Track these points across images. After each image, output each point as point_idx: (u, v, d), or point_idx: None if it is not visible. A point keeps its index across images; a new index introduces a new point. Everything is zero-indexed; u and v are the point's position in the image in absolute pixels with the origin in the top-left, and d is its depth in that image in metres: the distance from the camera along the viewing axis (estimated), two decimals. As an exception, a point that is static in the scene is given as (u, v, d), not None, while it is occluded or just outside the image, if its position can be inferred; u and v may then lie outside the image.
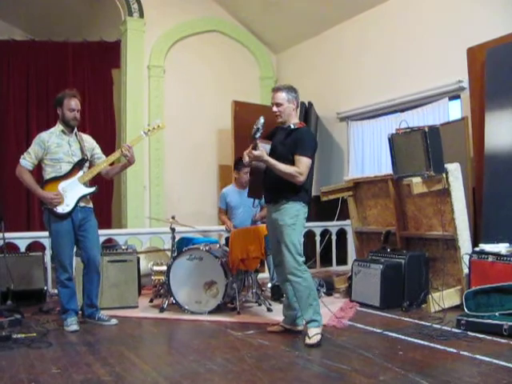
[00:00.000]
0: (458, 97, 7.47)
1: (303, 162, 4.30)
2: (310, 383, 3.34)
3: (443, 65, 7.51)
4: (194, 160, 10.11)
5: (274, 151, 4.41)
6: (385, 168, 8.12)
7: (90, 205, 5.05)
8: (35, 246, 6.79)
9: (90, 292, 5.03)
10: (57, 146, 4.88)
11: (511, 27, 6.27)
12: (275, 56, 11.30)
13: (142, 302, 5.95)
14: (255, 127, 4.21)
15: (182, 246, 5.92)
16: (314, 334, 4.21)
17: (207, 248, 5.55)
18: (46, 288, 6.19)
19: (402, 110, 8.27)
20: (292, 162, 4.31)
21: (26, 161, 4.88)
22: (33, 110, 10.00)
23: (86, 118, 9.90)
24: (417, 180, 5.44)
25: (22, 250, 6.46)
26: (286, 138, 4.44)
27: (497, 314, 4.58)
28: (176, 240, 6.04)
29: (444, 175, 5.41)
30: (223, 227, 7.09)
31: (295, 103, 4.52)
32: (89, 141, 5.14)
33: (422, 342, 4.17)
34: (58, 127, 4.99)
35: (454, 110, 7.52)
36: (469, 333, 4.40)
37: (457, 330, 4.49)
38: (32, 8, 10.46)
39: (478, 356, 3.77)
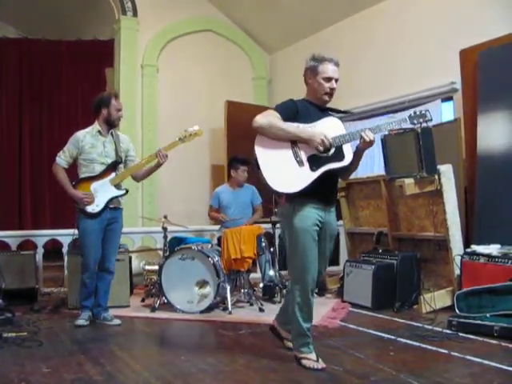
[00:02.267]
0: (450, 98, 7.50)
1: None
2: (302, 383, 3.34)
3: (436, 66, 7.53)
4: (186, 159, 10.06)
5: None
6: (377, 169, 8.13)
7: (121, 206, 5.13)
8: (27, 245, 6.78)
9: (98, 290, 5.08)
10: (91, 147, 4.93)
11: (504, 29, 6.29)
12: (269, 56, 11.30)
13: (134, 302, 5.94)
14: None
15: (174, 245, 5.91)
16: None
17: (199, 248, 5.55)
18: (37, 287, 6.16)
19: (395, 111, 8.28)
20: None
21: (61, 159, 4.96)
22: (26, 108, 9.99)
23: (78, 117, 9.91)
24: (409, 181, 5.45)
25: (14, 248, 6.44)
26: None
27: (488, 315, 4.60)
28: (168, 239, 6.04)
29: (436, 176, 5.42)
30: (216, 227, 7.10)
31: None
32: (125, 142, 5.17)
33: (413, 343, 4.18)
34: (95, 127, 5.01)
35: (447, 112, 7.56)
36: (460, 334, 4.42)
37: (448, 331, 4.50)
38: (25, 6, 10.42)
39: (468, 357, 3.78)
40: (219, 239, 6.10)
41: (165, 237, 5.99)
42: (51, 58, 10.16)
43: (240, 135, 9.63)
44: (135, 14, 9.67)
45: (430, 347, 4.07)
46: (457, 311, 4.84)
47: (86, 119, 9.74)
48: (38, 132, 10.18)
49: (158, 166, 5.09)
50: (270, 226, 6.53)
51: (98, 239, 4.94)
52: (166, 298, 5.52)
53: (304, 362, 3.62)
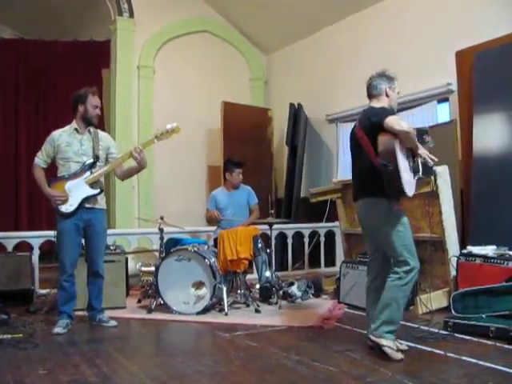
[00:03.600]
0: (446, 99, 7.51)
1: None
2: (298, 384, 3.35)
3: (432, 67, 7.54)
4: (182, 160, 10.09)
5: None
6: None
7: (99, 206, 4.96)
8: (23, 246, 6.75)
9: (90, 293, 5.02)
10: (67, 145, 4.86)
11: (500, 31, 6.31)
12: (265, 57, 11.30)
13: (130, 303, 5.93)
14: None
15: (171, 246, 5.90)
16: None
17: (195, 249, 5.54)
18: (33, 288, 6.14)
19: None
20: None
21: (39, 159, 4.93)
22: (22, 108, 9.98)
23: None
24: (405, 182, 5.45)
25: (10, 249, 6.42)
26: None
27: (484, 316, 4.60)
28: (164, 241, 6.03)
29: (432, 177, 5.42)
30: (212, 228, 7.09)
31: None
32: (105, 140, 5.09)
33: (409, 344, 4.18)
34: (72, 125, 4.96)
35: (443, 113, 7.56)
36: (456, 334, 4.42)
37: (444, 332, 4.50)
38: (21, 7, 10.41)
39: (464, 358, 3.79)
40: (215, 240, 6.10)
41: (161, 238, 5.99)
42: (47, 58, 10.14)
43: (236, 136, 9.68)
44: (131, 14, 9.66)
45: (425, 348, 4.08)
46: (453, 312, 4.84)
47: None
48: (35, 133, 10.14)
49: (139, 167, 4.99)
50: (266, 226, 6.52)
51: (75, 240, 4.85)
52: (162, 299, 5.51)
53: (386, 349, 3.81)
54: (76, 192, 4.81)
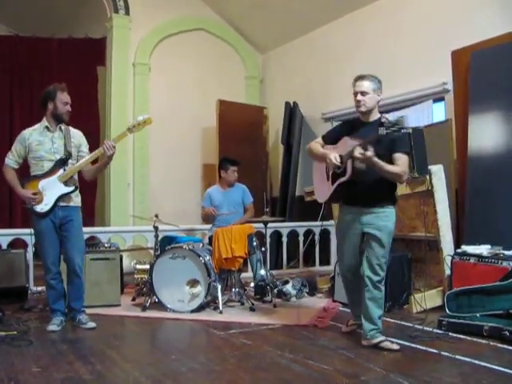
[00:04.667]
0: (442, 99, 7.51)
1: (404, 160, 4.06)
2: (292, 383, 3.35)
3: (428, 67, 7.55)
4: (178, 158, 10.07)
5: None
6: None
7: (73, 203, 4.87)
8: (17, 244, 6.73)
9: (69, 294, 4.92)
10: (38, 144, 4.79)
11: (496, 31, 6.31)
12: (261, 56, 11.29)
13: (125, 301, 5.92)
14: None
15: (166, 244, 5.90)
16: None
17: (190, 247, 5.55)
18: (27, 285, 6.14)
19: (387, 112, 8.29)
20: (385, 160, 4.00)
21: (10, 159, 4.86)
22: (16, 105, 9.91)
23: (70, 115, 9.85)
24: (400, 181, 5.46)
25: (4, 247, 6.41)
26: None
27: (478, 315, 4.63)
28: (159, 238, 6.03)
29: (427, 177, 5.44)
30: (207, 226, 7.09)
31: (380, 95, 4.25)
32: (76, 137, 4.97)
33: (403, 343, 4.19)
34: (43, 123, 4.88)
35: (438, 112, 7.57)
36: (450, 333, 4.43)
37: (438, 331, 4.51)
38: (16, 3, 10.37)
39: (458, 356, 3.80)
40: (210, 238, 6.10)
41: (156, 236, 5.99)
42: (42, 55, 10.09)
43: (232, 134, 9.68)
44: (127, 12, 9.63)
45: (420, 347, 4.09)
46: (447, 311, 4.86)
47: (76, 117, 9.78)
48: (29, 130, 10.13)
49: (107, 161, 4.92)
50: (261, 225, 6.52)
51: (53, 238, 4.78)
52: (156, 297, 5.51)
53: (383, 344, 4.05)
54: (50, 191, 4.74)
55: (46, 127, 4.85)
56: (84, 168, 4.90)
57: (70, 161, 4.83)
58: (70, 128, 4.98)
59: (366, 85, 4.19)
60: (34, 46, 9.99)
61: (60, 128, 4.88)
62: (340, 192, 4.21)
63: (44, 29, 10.06)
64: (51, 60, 10.09)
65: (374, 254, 4.12)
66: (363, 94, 4.18)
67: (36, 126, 4.91)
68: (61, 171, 4.78)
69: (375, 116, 4.25)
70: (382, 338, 4.09)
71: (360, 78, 4.26)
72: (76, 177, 4.95)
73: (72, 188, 4.82)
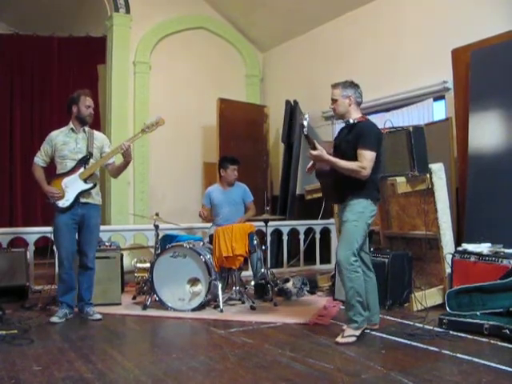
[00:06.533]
0: (442, 97, 7.52)
1: (365, 156, 4.22)
2: (293, 381, 3.34)
3: (428, 65, 7.55)
4: (178, 157, 10.09)
5: (339, 149, 4.46)
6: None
7: (94, 201, 5.20)
8: (18, 242, 6.74)
9: (80, 284, 5.18)
10: (63, 144, 5.12)
11: (496, 29, 6.32)
12: (261, 54, 11.30)
13: (125, 299, 5.93)
14: (299, 123, 4.32)
15: (166, 243, 5.90)
16: (348, 335, 4.21)
17: (191, 245, 5.55)
18: (28, 284, 6.13)
19: (387, 110, 8.30)
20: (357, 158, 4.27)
21: (38, 158, 5.20)
22: (16, 104, 9.94)
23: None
24: (401, 179, 5.47)
25: (4, 245, 6.41)
26: (348, 135, 4.45)
27: (478, 313, 4.62)
28: (160, 237, 6.03)
29: (428, 175, 5.43)
30: (207, 225, 7.09)
31: (352, 99, 4.45)
32: (99, 139, 5.31)
33: (404, 341, 4.19)
34: (69, 126, 5.20)
35: (439, 111, 7.57)
36: (450, 332, 4.43)
37: (439, 329, 4.51)
38: (17, 2, 10.36)
39: (459, 355, 3.80)
40: (211, 237, 6.10)
41: (156, 234, 5.99)
42: (43, 54, 10.10)
43: (232, 133, 9.68)
44: (128, 10, 9.64)
45: (420, 345, 4.09)
46: (447, 309, 4.85)
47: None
48: (29, 129, 10.13)
49: (126, 162, 5.21)
50: (262, 223, 6.52)
51: (71, 234, 5.09)
52: (157, 295, 5.51)
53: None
54: (71, 187, 5.07)
55: (72, 129, 5.19)
56: (108, 167, 5.31)
57: (91, 160, 5.15)
58: (94, 131, 5.34)
59: (335, 92, 4.50)
60: (35, 44, 10.02)
61: (84, 130, 5.22)
62: (323, 191, 4.77)
63: (45, 27, 10.07)
64: (52, 58, 10.10)
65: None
66: (333, 101, 4.51)
67: (63, 128, 5.25)
68: (81, 169, 5.10)
69: (355, 116, 4.47)
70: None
71: (332, 86, 4.55)
72: (98, 174, 5.27)
73: (91, 185, 5.14)
